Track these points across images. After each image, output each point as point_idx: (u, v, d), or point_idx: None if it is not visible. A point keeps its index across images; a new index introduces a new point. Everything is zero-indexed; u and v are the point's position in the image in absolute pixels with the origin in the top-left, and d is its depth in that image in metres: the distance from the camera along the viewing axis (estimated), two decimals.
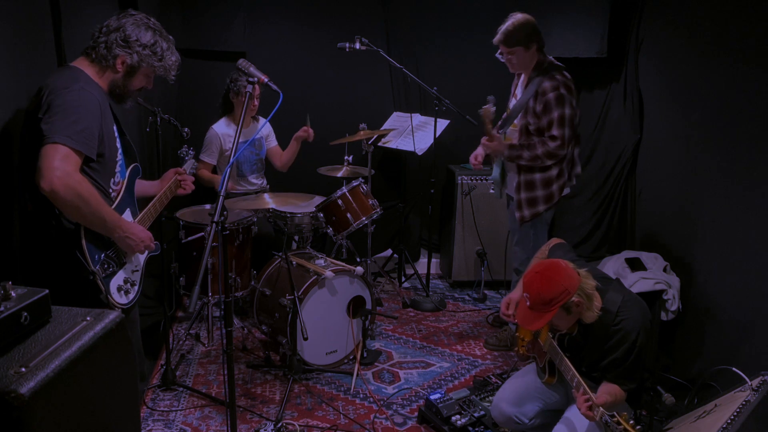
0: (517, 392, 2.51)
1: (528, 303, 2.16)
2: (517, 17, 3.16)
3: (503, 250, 4.27)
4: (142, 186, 2.50)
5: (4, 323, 1.23)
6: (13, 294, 1.30)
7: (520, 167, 3.27)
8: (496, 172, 3.51)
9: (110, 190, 2.19)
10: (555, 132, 3.11)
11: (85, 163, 2.01)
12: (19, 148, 2.09)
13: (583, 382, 2.13)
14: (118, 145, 2.24)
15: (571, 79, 3.18)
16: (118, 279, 2.17)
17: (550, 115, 3.11)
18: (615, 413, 1.92)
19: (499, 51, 3.26)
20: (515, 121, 3.31)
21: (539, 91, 3.13)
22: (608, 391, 2.19)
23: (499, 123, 3.47)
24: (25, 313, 1.29)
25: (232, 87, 3.88)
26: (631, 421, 1.90)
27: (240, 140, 2.14)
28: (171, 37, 2.28)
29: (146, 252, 2.35)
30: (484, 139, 3.34)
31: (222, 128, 3.97)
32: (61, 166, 1.87)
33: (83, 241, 2.02)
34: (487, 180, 4.29)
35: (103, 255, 2.10)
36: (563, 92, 3.09)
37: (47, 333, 1.33)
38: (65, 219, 2.02)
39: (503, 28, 3.17)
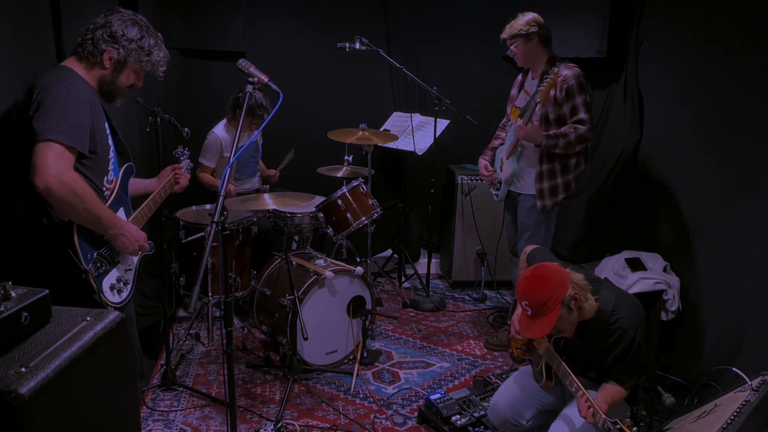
0: (514, 395, 2.51)
1: (529, 312, 2.13)
2: (524, 14, 3.26)
3: (503, 249, 4.26)
4: (139, 184, 2.49)
5: (4, 323, 1.23)
6: (13, 294, 1.30)
7: (541, 158, 3.30)
8: (513, 166, 3.41)
9: (103, 189, 2.18)
10: (582, 116, 3.17)
11: (77, 160, 2.01)
12: (13, 147, 2.09)
13: (583, 389, 2.13)
14: (111, 143, 2.23)
15: None
16: (110, 278, 2.16)
17: (573, 100, 3.17)
18: (617, 420, 1.92)
19: (508, 49, 3.34)
20: (536, 111, 3.27)
21: (559, 80, 3.17)
22: (606, 396, 2.19)
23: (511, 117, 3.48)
24: (25, 313, 1.28)
25: (242, 101, 3.86)
26: (635, 429, 1.90)
27: (238, 145, 2.13)
28: (159, 34, 2.28)
29: (140, 252, 2.35)
30: (519, 123, 3.28)
31: (222, 133, 3.98)
32: (55, 164, 1.87)
33: (75, 240, 2.02)
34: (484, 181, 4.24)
35: (95, 254, 2.10)
36: (583, 80, 3.17)
37: (47, 333, 1.33)
38: (56, 218, 2.02)
39: (510, 22, 3.28)
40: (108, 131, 2.22)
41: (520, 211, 3.47)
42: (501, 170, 3.52)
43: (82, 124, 1.99)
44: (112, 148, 2.24)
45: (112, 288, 2.15)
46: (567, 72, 3.17)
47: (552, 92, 3.19)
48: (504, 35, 3.30)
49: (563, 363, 2.24)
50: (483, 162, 3.63)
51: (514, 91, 3.53)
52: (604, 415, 1.98)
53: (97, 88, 2.18)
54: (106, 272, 2.15)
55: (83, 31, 2.17)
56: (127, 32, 2.15)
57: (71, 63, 2.14)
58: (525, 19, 3.23)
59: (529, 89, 3.37)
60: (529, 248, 2.64)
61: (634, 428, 1.90)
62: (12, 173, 2.06)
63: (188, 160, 2.79)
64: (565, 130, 3.19)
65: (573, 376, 2.18)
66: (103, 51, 2.13)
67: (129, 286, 2.27)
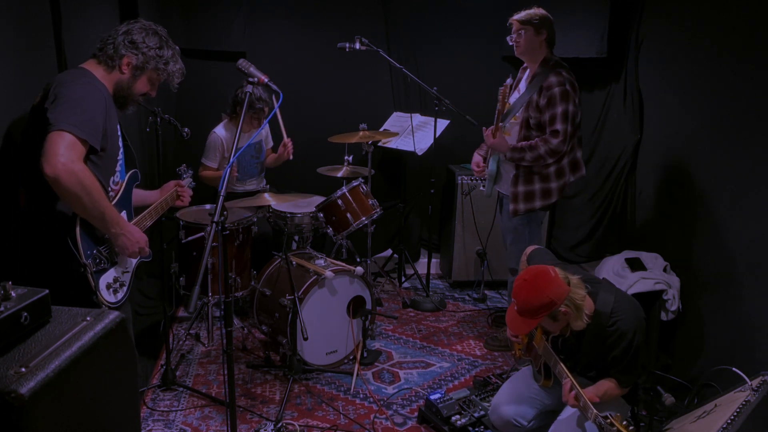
0: (515, 396, 2.51)
1: (516, 308, 2.17)
2: (538, 8, 3.23)
3: (503, 250, 4.26)
4: (141, 195, 2.52)
5: (4, 323, 1.23)
6: (13, 294, 1.30)
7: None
8: (492, 166, 3.46)
9: (109, 189, 2.20)
10: (558, 126, 3.08)
11: (87, 155, 2.03)
12: (19, 141, 2.10)
13: (570, 375, 2.15)
14: (121, 144, 2.27)
15: (575, 79, 3.19)
16: (108, 277, 2.18)
17: (553, 109, 3.09)
18: (608, 414, 1.93)
19: (510, 34, 3.27)
20: (516, 114, 3.30)
21: (544, 86, 3.13)
22: (598, 388, 2.21)
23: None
24: (25, 313, 1.28)
25: (242, 101, 3.86)
26: (624, 422, 1.90)
27: (239, 145, 2.14)
28: (177, 47, 2.35)
29: (139, 254, 2.37)
30: (487, 132, 3.31)
31: (223, 132, 3.98)
32: (66, 153, 1.89)
33: (77, 233, 2.04)
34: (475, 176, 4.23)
35: (95, 250, 2.12)
36: (568, 89, 3.09)
37: (47, 333, 1.33)
38: (59, 211, 2.04)
39: (524, 9, 3.24)
40: (119, 133, 2.26)
41: (503, 214, 3.46)
42: (488, 166, 3.53)
43: (95, 120, 2.02)
44: (121, 150, 2.28)
45: (108, 287, 2.17)
46: (553, 78, 3.11)
47: (534, 97, 3.17)
48: (517, 18, 3.21)
49: (560, 362, 2.25)
50: (477, 157, 3.60)
51: (513, 87, 3.51)
52: (595, 411, 2.00)
53: (112, 93, 2.22)
54: (104, 270, 2.16)
55: (104, 36, 2.22)
56: (148, 40, 2.23)
57: (90, 66, 2.19)
58: (541, 12, 3.20)
59: (522, 88, 3.35)
60: (530, 248, 2.64)
61: (624, 422, 1.90)
62: (14, 170, 2.07)
63: (190, 179, 2.83)
64: (535, 143, 3.14)
65: (567, 371, 2.19)
66: (123, 56, 2.19)
67: (125, 288, 2.28)
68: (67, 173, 1.89)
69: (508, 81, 3.25)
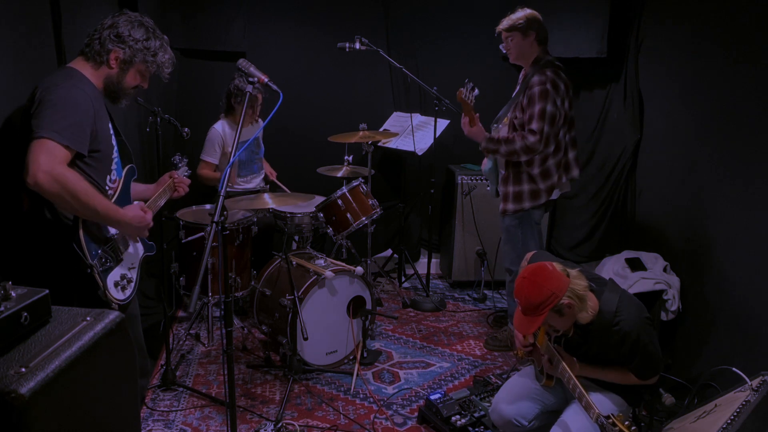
0: (516, 395, 2.50)
1: (520, 308, 2.18)
2: (523, 9, 3.22)
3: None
4: (137, 189, 2.52)
5: (4, 323, 1.23)
6: (13, 294, 1.30)
7: (507, 162, 3.28)
8: (488, 164, 3.48)
9: (107, 188, 2.20)
10: (534, 126, 3.08)
11: (78, 159, 2.03)
12: (17, 146, 2.10)
13: (566, 365, 2.16)
14: (114, 143, 2.25)
15: (566, 79, 3.17)
16: (115, 275, 2.19)
17: (532, 108, 3.10)
18: (611, 414, 1.93)
19: (501, 43, 3.29)
20: (507, 116, 3.31)
21: (528, 86, 3.14)
22: (598, 368, 2.24)
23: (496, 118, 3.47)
24: (25, 313, 1.29)
25: (235, 92, 3.88)
26: (627, 422, 1.89)
27: (240, 141, 2.15)
28: (165, 36, 2.32)
29: (142, 252, 2.39)
30: (464, 121, 3.31)
31: (222, 127, 3.98)
32: (45, 160, 1.88)
33: (81, 235, 2.04)
34: (487, 180, 4.27)
35: (100, 250, 2.13)
36: (548, 88, 3.08)
37: (47, 333, 1.33)
38: (62, 214, 2.04)
39: (507, 16, 3.24)
40: (111, 131, 2.24)
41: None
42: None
43: (79, 124, 2.00)
44: (115, 149, 2.27)
45: (116, 285, 2.17)
46: (535, 78, 3.12)
47: (521, 97, 3.18)
48: (500, 27, 3.23)
49: (563, 362, 2.25)
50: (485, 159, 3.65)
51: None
52: (597, 411, 2.00)
53: (103, 89, 2.20)
54: (111, 269, 2.17)
55: (90, 31, 2.20)
56: (134, 33, 2.19)
57: (78, 64, 2.17)
58: (524, 14, 3.18)
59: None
60: (530, 254, 2.63)
61: (626, 422, 1.89)
62: (16, 172, 2.07)
63: (185, 167, 2.81)
64: (512, 137, 3.15)
65: (570, 371, 2.18)
66: (110, 51, 2.16)
67: (132, 284, 2.29)
68: (48, 180, 1.88)
69: (469, 86, 3.23)
